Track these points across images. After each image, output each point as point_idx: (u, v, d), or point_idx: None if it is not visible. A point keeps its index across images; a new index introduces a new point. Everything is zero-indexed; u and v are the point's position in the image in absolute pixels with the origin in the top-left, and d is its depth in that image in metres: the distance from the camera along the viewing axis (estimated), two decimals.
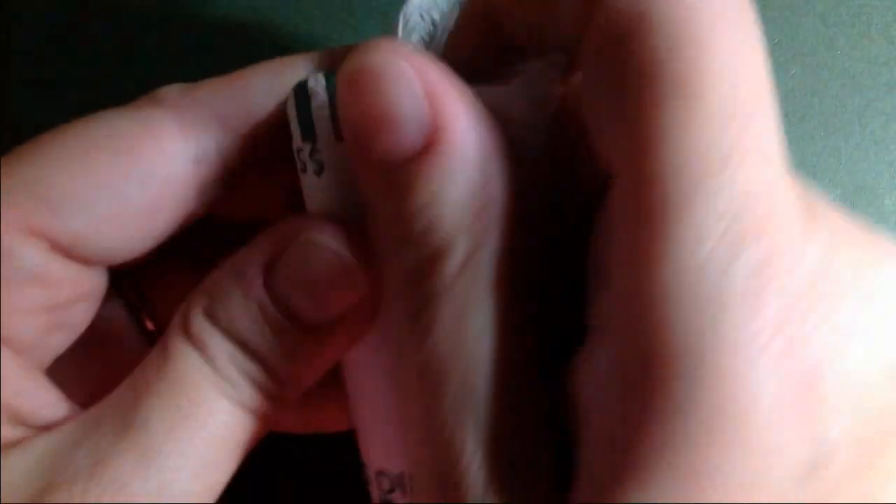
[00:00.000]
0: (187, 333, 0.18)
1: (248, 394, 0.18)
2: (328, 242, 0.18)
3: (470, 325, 0.15)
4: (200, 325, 0.18)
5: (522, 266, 0.16)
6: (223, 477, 0.18)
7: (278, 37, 0.29)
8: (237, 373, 0.18)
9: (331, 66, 0.20)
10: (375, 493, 0.20)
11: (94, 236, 0.19)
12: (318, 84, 0.18)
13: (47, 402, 0.19)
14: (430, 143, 0.15)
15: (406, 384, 0.16)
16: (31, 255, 0.18)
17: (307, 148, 0.18)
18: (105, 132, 0.19)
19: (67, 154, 0.18)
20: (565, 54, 0.16)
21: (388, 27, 0.29)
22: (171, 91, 0.20)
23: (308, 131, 0.18)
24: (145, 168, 0.19)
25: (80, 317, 0.20)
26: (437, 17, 0.16)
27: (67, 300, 0.19)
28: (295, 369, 0.18)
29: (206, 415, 0.17)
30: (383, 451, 0.19)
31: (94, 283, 0.20)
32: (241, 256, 0.18)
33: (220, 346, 0.18)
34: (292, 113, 0.18)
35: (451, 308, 0.15)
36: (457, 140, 0.15)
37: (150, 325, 0.23)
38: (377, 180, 0.16)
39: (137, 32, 0.30)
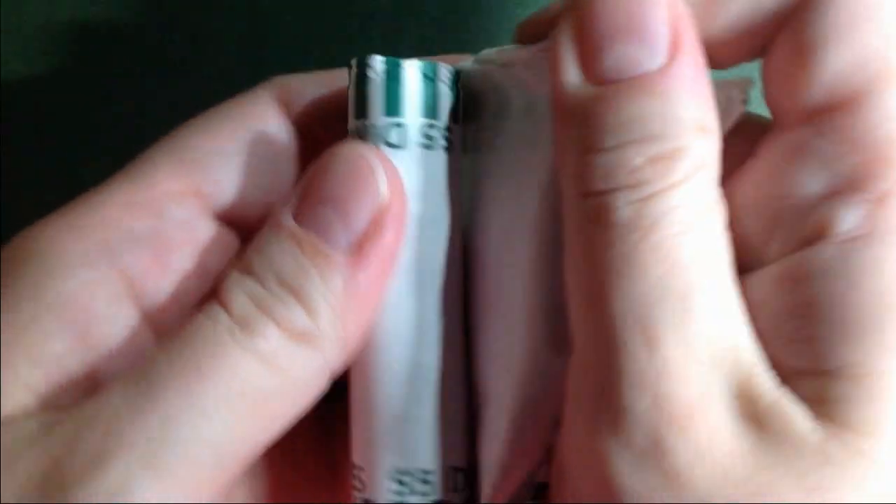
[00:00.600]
0: (216, 294, 0.18)
1: (277, 343, 0.17)
2: (348, 150, 0.18)
3: (698, 223, 0.16)
4: (231, 281, 0.18)
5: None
6: (259, 434, 0.17)
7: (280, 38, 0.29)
8: (263, 320, 0.17)
9: None
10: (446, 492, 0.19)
11: (235, 191, 0.20)
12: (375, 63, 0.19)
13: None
14: (668, 63, 0.16)
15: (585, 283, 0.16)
16: (185, 214, 0.19)
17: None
18: (224, 114, 0.21)
19: (201, 128, 0.20)
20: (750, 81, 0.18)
21: (388, 28, 0.29)
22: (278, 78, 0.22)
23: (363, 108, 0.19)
24: (262, 137, 0.21)
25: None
26: None
27: (213, 265, 0.20)
28: (334, 301, 0.18)
29: (220, 367, 0.17)
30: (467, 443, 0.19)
31: (232, 250, 0.20)
32: (274, 208, 0.19)
33: (244, 298, 0.18)
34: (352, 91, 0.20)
35: (681, 205, 0.15)
36: (694, 68, 0.16)
37: None
38: (595, 91, 0.16)
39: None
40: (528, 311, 0.19)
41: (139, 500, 0.16)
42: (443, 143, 0.20)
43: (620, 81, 0.16)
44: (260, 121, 0.21)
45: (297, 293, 0.18)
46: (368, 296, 0.18)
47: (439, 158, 0.19)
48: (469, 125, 0.20)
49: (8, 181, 0.30)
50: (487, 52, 0.20)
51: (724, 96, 0.17)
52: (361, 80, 0.19)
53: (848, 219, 0.15)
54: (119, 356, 0.18)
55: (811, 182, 0.16)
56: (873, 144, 0.15)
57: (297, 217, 0.18)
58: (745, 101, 0.18)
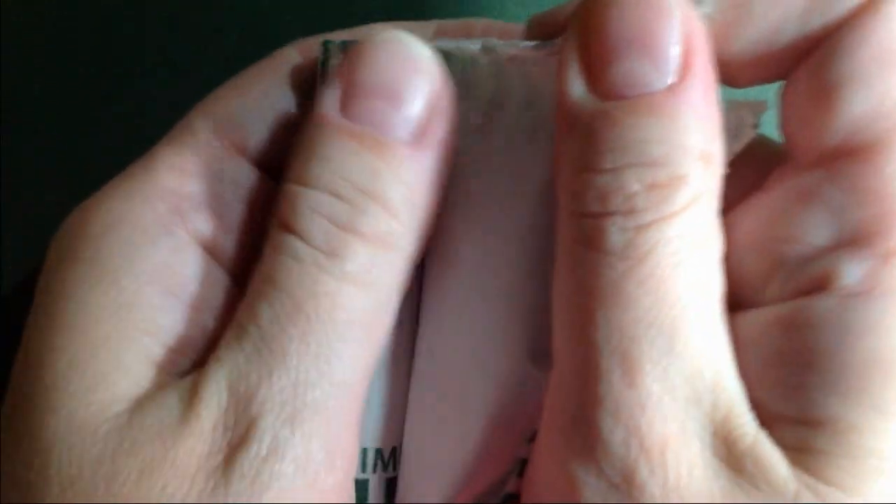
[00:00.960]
0: (283, 221, 0.17)
1: (359, 262, 0.17)
2: (389, 37, 0.17)
3: (690, 257, 0.15)
4: (297, 200, 0.17)
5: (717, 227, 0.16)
6: (373, 354, 0.17)
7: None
8: (347, 239, 0.17)
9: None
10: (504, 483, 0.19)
11: (267, 139, 0.20)
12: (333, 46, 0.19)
13: None
14: (676, 84, 0.15)
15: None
16: (232, 171, 0.19)
17: None
18: (252, 74, 0.20)
19: (231, 88, 0.20)
20: (765, 104, 0.17)
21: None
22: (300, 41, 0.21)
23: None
24: (286, 93, 0.20)
25: None
26: None
27: (267, 212, 0.19)
28: (409, 195, 0.17)
29: (322, 306, 0.16)
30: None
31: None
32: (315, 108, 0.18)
33: (320, 220, 0.17)
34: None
35: (675, 238, 0.15)
36: (702, 92, 0.15)
37: None
38: (598, 107, 0.16)
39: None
40: (512, 318, 0.19)
41: (290, 457, 0.16)
42: None
43: (626, 98, 0.15)
44: (284, 79, 0.20)
45: (375, 196, 0.17)
46: (435, 182, 0.18)
47: None
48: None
49: (8, 181, 0.30)
50: (495, 42, 0.19)
51: (735, 118, 0.17)
52: (324, 66, 0.19)
53: (851, 273, 0.15)
54: (221, 315, 0.18)
55: (817, 230, 0.15)
56: (884, 199, 0.15)
57: (348, 114, 0.17)
58: (756, 126, 0.17)
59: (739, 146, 0.17)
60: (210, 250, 0.18)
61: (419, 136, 0.17)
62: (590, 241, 0.15)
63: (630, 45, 0.15)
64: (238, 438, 0.16)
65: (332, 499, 0.17)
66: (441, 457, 0.20)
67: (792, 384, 0.15)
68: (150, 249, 0.17)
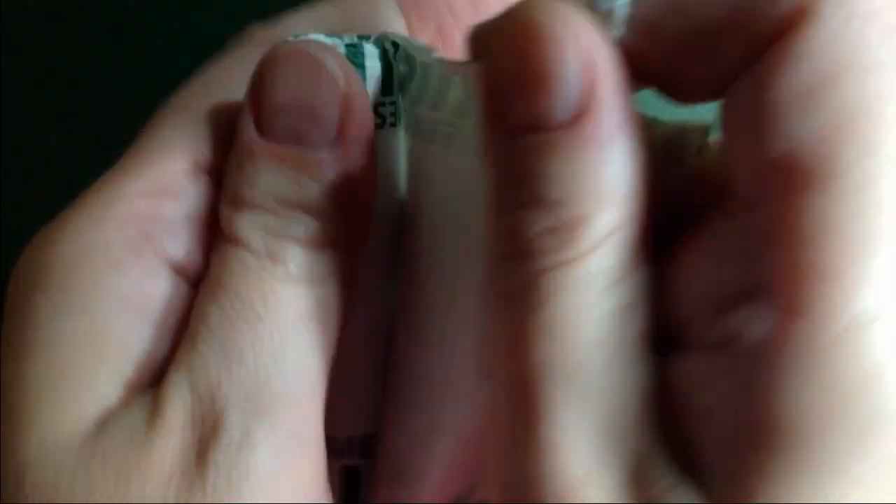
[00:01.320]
0: (226, 236, 0.18)
1: (300, 263, 0.17)
2: (284, 51, 0.18)
3: (597, 301, 0.14)
4: (235, 220, 0.18)
5: (643, 264, 0.15)
6: (330, 345, 0.18)
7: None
8: (285, 245, 0.17)
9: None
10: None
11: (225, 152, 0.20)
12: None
13: None
14: (576, 119, 0.14)
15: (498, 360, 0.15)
16: (197, 190, 0.19)
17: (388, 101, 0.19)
18: (221, 69, 0.21)
19: (198, 93, 0.20)
20: (706, 131, 0.16)
21: None
22: (259, 30, 0.22)
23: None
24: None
25: None
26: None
27: None
28: (336, 196, 0.18)
29: (273, 305, 0.17)
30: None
31: None
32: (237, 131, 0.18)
33: (259, 232, 0.18)
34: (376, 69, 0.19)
35: (578, 282, 0.14)
36: (607, 125, 0.14)
37: None
38: (504, 144, 0.15)
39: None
40: (479, 336, 0.18)
41: (262, 447, 0.16)
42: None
43: (528, 136, 0.15)
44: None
45: (303, 206, 0.18)
46: (362, 172, 0.18)
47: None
48: (422, 107, 0.20)
49: (8, 181, 0.30)
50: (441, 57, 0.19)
51: (678, 141, 0.16)
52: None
53: (754, 329, 0.14)
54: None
55: (732, 280, 0.14)
56: (795, 247, 0.13)
57: (265, 133, 0.18)
58: (701, 151, 0.16)
59: (682, 172, 0.16)
60: (178, 269, 0.19)
61: (339, 140, 0.18)
62: (493, 282, 0.15)
63: (529, 82, 0.14)
64: (208, 433, 0.16)
65: (310, 485, 0.17)
66: (409, 463, 0.20)
67: (710, 435, 0.14)
68: (120, 275, 0.18)
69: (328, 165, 0.18)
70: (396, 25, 0.23)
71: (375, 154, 0.19)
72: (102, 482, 0.16)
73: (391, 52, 0.20)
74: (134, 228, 0.18)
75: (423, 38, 0.23)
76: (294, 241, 0.17)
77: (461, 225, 0.19)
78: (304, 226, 0.18)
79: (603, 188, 0.14)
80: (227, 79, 0.20)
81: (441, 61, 0.19)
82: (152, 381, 0.17)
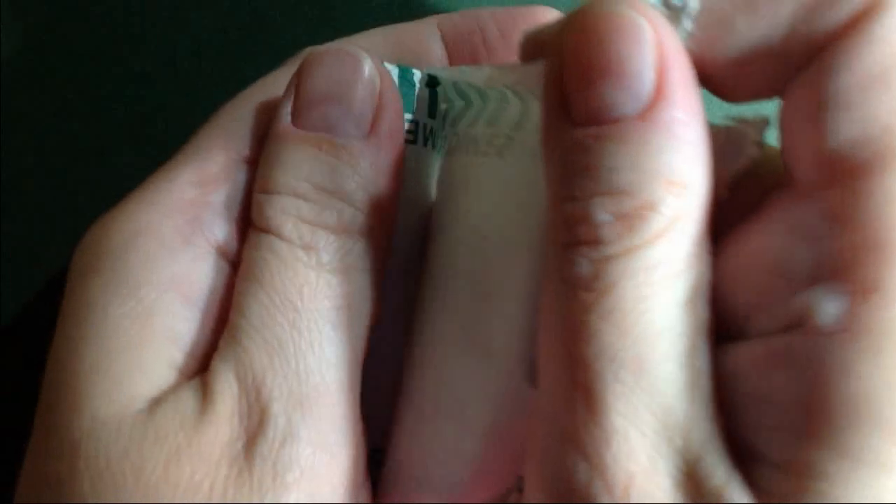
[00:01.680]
0: (259, 223, 0.18)
1: (333, 251, 0.18)
2: (324, 50, 0.19)
3: (661, 290, 0.15)
4: (267, 206, 0.18)
5: (705, 256, 0.15)
6: (362, 335, 0.18)
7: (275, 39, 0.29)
8: (318, 233, 0.18)
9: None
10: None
11: None
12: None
13: None
14: (649, 108, 0.15)
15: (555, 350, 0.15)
16: (245, 178, 0.20)
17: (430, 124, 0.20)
18: (259, 88, 0.21)
19: (241, 103, 0.21)
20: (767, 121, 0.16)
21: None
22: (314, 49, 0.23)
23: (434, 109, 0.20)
24: None
25: None
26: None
27: None
28: (368, 186, 0.18)
29: (308, 296, 0.17)
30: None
31: None
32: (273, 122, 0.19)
33: (292, 219, 0.18)
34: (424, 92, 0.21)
35: (643, 270, 0.15)
36: (678, 114, 0.15)
37: None
38: (572, 134, 0.16)
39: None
40: (515, 339, 0.18)
41: (305, 439, 0.17)
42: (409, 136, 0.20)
43: (597, 126, 0.15)
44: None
45: (336, 192, 0.18)
46: (392, 166, 0.19)
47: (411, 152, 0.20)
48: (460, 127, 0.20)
49: (8, 181, 0.30)
50: (498, 66, 0.20)
51: (737, 136, 0.16)
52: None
53: (827, 311, 0.14)
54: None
55: (801, 262, 0.14)
56: (863, 229, 0.14)
57: (300, 124, 0.18)
58: (759, 144, 0.17)
59: (742, 165, 0.16)
60: (227, 256, 0.19)
61: (372, 131, 0.18)
62: (558, 270, 0.15)
63: (602, 72, 0.15)
64: (254, 425, 0.17)
65: (352, 475, 0.17)
66: (436, 471, 0.20)
67: (768, 425, 0.14)
68: (169, 260, 0.18)
69: (363, 155, 0.18)
70: (438, 53, 0.23)
71: (404, 160, 0.19)
72: (153, 462, 0.16)
73: (436, 83, 0.21)
74: (184, 216, 0.19)
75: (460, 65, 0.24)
76: (327, 229, 0.18)
77: (512, 226, 0.19)
78: (338, 213, 0.18)
79: (671, 176, 0.15)
80: (275, 88, 0.21)
81: (497, 69, 0.20)
82: (198, 368, 0.18)
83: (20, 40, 0.30)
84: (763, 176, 0.17)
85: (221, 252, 0.19)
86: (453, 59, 0.23)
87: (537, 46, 0.19)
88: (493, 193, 0.20)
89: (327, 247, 0.18)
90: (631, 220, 0.15)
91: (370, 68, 0.19)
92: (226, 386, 0.17)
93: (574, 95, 0.15)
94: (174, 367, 0.18)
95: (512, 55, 0.23)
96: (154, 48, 0.30)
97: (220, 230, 0.19)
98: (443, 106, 0.21)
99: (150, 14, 0.30)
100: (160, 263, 0.18)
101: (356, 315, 0.18)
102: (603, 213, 0.15)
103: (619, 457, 0.14)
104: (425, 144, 0.21)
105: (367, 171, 0.18)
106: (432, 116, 0.21)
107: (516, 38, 0.22)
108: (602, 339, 0.14)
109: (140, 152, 0.22)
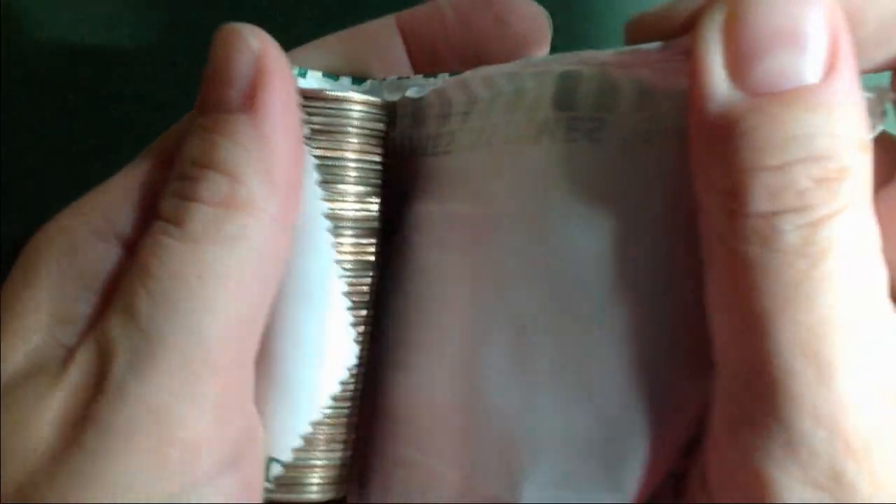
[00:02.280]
0: (158, 216, 0.19)
1: (210, 219, 0.18)
2: (217, 32, 0.20)
3: (861, 248, 0.15)
4: (163, 195, 0.19)
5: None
6: (253, 306, 0.19)
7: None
8: (189, 206, 0.18)
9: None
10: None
11: None
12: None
13: None
14: (828, 75, 0.15)
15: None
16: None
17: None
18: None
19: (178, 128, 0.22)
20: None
21: None
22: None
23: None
24: None
25: None
26: None
27: None
28: (248, 156, 0.19)
29: (182, 273, 0.18)
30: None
31: None
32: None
33: (172, 198, 0.19)
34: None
35: (849, 231, 0.15)
36: (851, 81, 0.15)
37: None
38: (760, 105, 0.15)
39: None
40: (659, 332, 0.18)
41: (134, 402, 0.17)
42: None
43: (778, 94, 0.15)
44: None
45: (212, 165, 0.19)
46: (282, 145, 0.19)
47: None
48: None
49: (8, 181, 0.30)
50: (598, 52, 0.19)
51: (868, 105, 0.16)
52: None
53: None
54: None
55: None
56: None
57: (196, 107, 0.19)
58: (884, 113, 0.17)
59: (872, 134, 0.17)
60: (128, 244, 0.20)
61: (250, 100, 0.19)
62: (764, 241, 0.15)
63: (779, 39, 0.15)
64: (96, 387, 0.18)
65: (192, 450, 0.18)
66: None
67: None
68: (80, 254, 0.20)
69: (241, 127, 0.19)
70: (397, 52, 0.24)
71: (296, 130, 0.20)
72: (5, 426, 0.17)
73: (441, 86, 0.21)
74: (103, 219, 0.20)
75: (420, 60, 0.24)
76: (200, 202, 0.18)
77: (616, 218, 0.18)
78: (215, 185, 0.18)
79: (858, 139, 0.15)
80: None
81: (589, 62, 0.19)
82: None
83: (20, 40, 0.30)
84: (884, 147, 0.17)
85: (129, 247, 0.20)
86: (413, 50, 0.24)
87: (655, 29, 0.19)
88: (586, 178, 0.19)
89: (198, 217, 0.18)
90: (831, 182, 0.15)
91: (249, 40, 0.19)
92: (85, 352, 0.18)
93: (748, 65, 0.15)
94: (65, 347, 0.19)
95: (472, 42, 0.23)
96: (154, 48, 0.30)
97: (137, 231, 0.20)
98: (459, 99, 0.20)
99: (150, 14, 0.30)
100: (69, 257, 0.20)
101: (234, 286, 0.18)
102: (805, 178, 0.15)
103: (856, 421, 0.15)
104: (433, 154, 0.21)
105: (250, 144, 0.18)
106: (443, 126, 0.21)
107: (476, 24, 0.23)
108: (822, 303, 0.15)
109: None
